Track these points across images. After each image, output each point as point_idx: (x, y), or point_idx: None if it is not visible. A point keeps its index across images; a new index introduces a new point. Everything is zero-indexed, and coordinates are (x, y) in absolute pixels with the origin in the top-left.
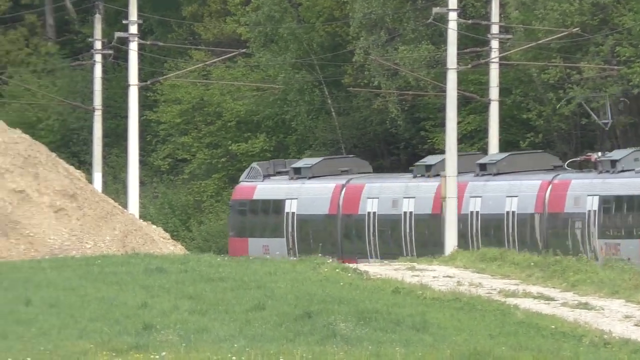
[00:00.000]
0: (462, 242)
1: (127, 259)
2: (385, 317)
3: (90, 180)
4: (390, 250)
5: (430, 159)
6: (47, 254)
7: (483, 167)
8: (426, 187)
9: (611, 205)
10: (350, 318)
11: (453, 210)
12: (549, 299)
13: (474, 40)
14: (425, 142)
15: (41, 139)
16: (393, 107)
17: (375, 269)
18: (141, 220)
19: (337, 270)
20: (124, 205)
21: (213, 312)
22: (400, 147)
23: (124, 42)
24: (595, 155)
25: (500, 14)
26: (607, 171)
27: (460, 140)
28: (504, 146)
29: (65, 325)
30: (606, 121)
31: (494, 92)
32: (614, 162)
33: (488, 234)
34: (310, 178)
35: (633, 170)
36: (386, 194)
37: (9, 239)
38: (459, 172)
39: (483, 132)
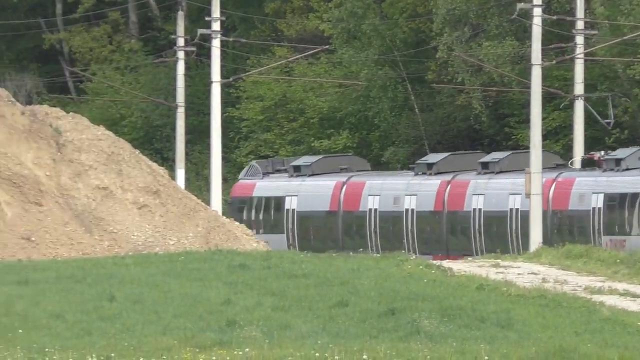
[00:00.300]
0: (463, 238)
1: (210, 255)
2: (470, 314)
3: (173, 176)
4: (392, 247)
5: (432, 157)
6: (131, 250)
7: (485, 165)
8: (428, 184)
9: (616, 202)
10: (434, 315)
11: (538, 206)
12: (635, 296)
13: (558, 35)
14: (509, 138)
15: (124, 135)
16: (477, 103)
17: (459, 265)
18: (224, 217)
19: (421, 267)
20: (207, 201)
21: (296, 308)
22: (484, 144)
23: (207, 39)
24: (598, 154)
25: (585, 10)
26: (612, 169)
27: (544, 137)
28: (588, 142)
29: (149, 321)
30: (609, 120)
31: (579, 88)
32: (618, 161)
33: (490, 230)
34: (310, 175)
35: (638, 168)
36: (387, 191)
37: (93, 235)
38: (460, 171)
39: (568, 128)
